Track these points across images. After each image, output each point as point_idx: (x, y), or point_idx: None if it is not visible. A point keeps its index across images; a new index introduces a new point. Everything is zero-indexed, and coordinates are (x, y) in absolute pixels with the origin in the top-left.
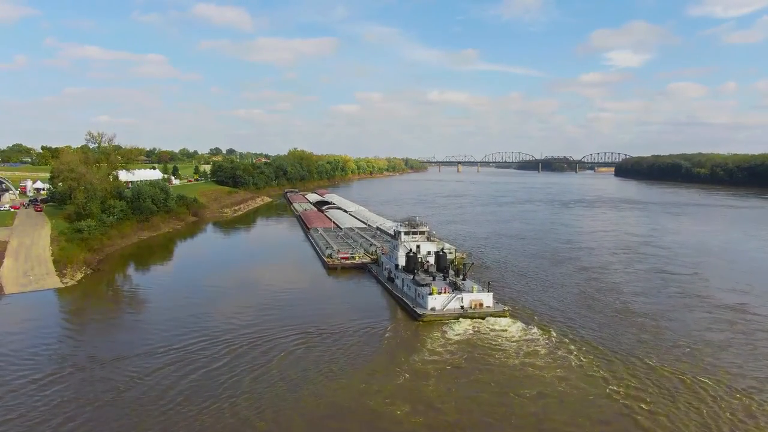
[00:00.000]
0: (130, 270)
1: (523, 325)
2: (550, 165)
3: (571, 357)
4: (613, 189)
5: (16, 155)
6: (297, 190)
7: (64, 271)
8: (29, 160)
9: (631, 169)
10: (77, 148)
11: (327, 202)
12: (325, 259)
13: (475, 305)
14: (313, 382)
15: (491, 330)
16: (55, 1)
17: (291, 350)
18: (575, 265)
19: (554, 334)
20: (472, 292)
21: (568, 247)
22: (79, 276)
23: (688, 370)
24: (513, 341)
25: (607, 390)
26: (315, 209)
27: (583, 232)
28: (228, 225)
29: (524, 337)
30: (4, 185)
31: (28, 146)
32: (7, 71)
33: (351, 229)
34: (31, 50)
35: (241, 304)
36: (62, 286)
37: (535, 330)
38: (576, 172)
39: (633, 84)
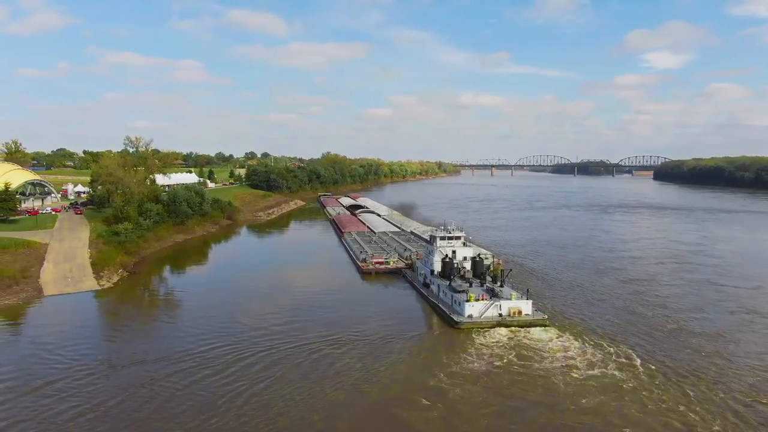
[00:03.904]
0: (165, 273)
1: (565, 337)
2: (586, 168)
3: (634, 385)
4: (653, 193)
5: (59, 159)
6: (330, 193)
7: (102, 274)
8: (72, 164)
9: (670, 173)
10: (118, 152)
11: (360, 206)
12: (360, 264)
13: (514, 313)
14: (334, 401)
15: (532, 341)
16: (95, 10)
17: (317, 359)
18: (619, 275)
19: (602, 353)
20: (510, 299)
21: (611, 255)
22: (115, 278)
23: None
24: (557, 358)
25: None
26: (348, 213)
27: (626, 240)
28: (262, 228)
29: (568, 354)
30: (46, 189)
31: (71, 150)
32: (51, 78)
33: (385, 233)
34: (73, 57)
35: (274, 309)
36: (99, 288)
37: (580, 346)
38: (613, 175)
39: (671, 86)
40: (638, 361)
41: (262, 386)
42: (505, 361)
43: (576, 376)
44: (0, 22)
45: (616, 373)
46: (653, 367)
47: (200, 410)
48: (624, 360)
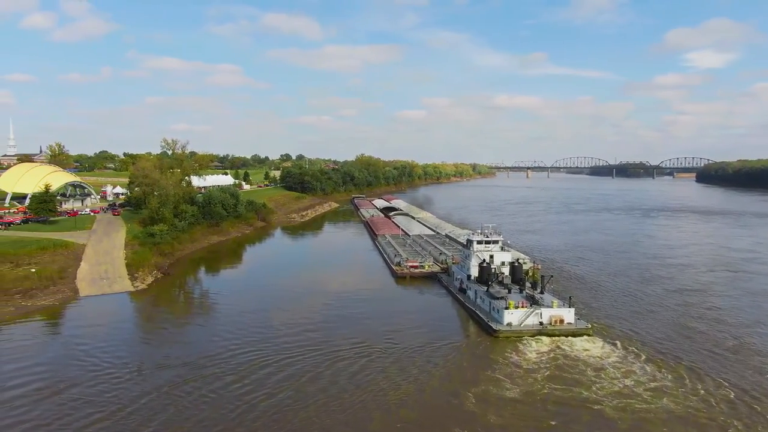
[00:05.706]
0: (199, 274)
1: (613, 352)
2: (624, 170)
3: (708, 415)
4: (697, 196)
5: (100, 162)
6: (364, 195)
7: (136, 275)
8: (112, 166)
9: (714, 175)
10: (157, 154)
11: (394, 208)
12: (394, 268)
13: (555, 321)
14: (351, 420)
15: (577, 359)
16: (136, 16)
17: (342, 369)
18: (668, 284)
19: (659, 373)
20: (551, 307)
21: (657, 262)
22: (149, 280)
23: None
24: (607, 378)
25: None
26: (382, 215)
27: (672, 246)
28: (295, 230)
29: (619, 374)
30: (86, 190)
31: (113, 153)
32: (95, 83)
33: (419, 236)
34: (115, 62)
35: (304, 313)
36: (133, 289)
37: (632, 365)
38: (653, 177)
39: (714, 85)
40: (703, 384)
41: (280, 396)
42: (547, 381)
43: (633, 404)
44: (49, 29)
45: (682, 400)
46: (723, 393)
47: (214, 421)
48: (686, 383)
